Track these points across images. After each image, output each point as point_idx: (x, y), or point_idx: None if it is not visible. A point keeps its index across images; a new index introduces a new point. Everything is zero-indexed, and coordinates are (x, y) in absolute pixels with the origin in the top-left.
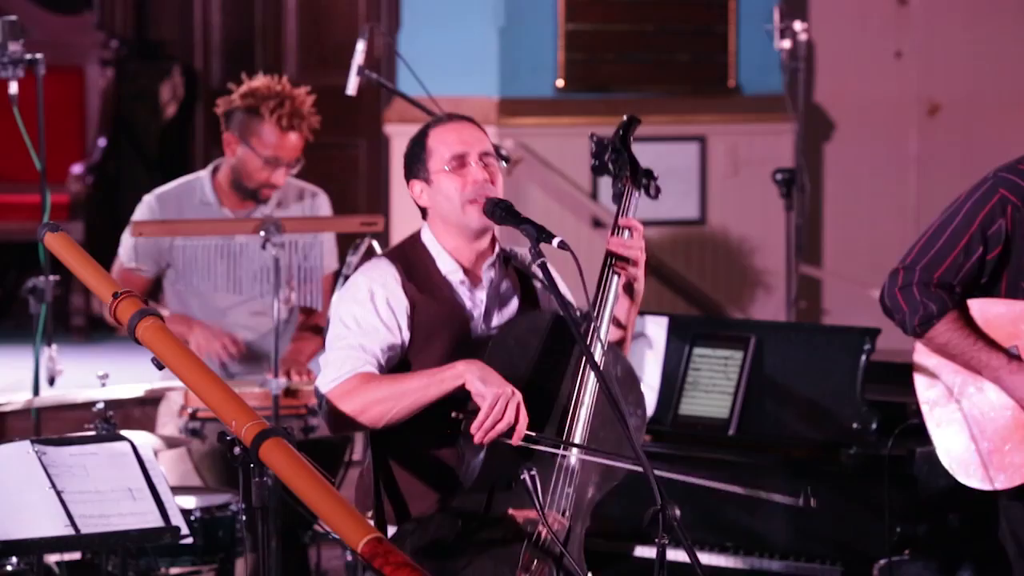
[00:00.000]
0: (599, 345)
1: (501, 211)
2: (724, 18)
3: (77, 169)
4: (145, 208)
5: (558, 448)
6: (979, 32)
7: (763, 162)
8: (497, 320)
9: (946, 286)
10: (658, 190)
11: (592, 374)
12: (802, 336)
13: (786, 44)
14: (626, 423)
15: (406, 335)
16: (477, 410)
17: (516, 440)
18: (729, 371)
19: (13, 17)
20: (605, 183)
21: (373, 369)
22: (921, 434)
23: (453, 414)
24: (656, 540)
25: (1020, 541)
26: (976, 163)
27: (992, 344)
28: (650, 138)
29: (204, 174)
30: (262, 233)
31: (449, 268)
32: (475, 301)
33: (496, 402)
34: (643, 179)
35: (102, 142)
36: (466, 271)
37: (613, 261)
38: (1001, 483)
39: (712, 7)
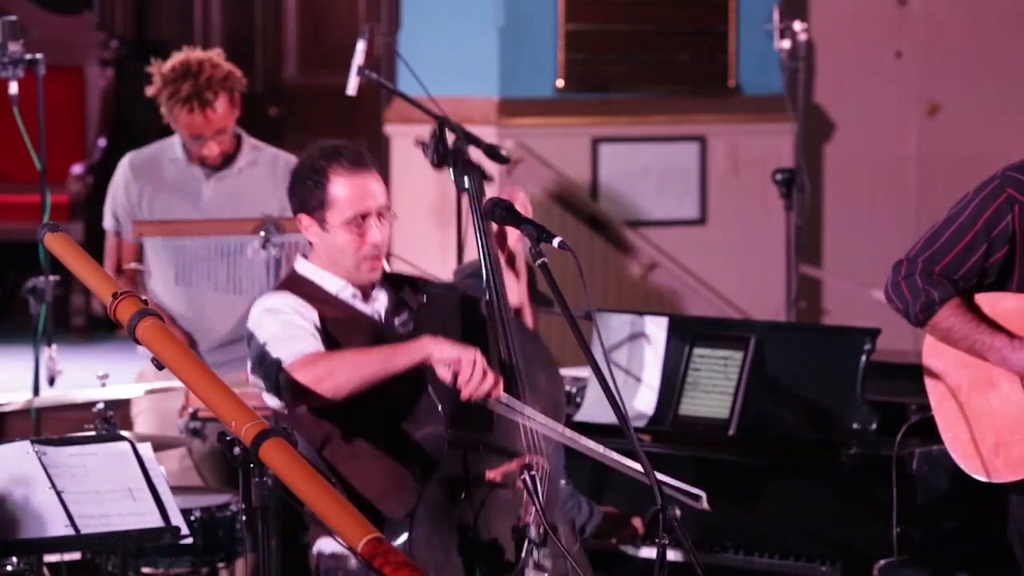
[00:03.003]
0: (505, 319)
1: (501, 211)
2: (724, 18)
3: (77, 169)
4: (121, 170)
5: (521, 413)
6: (979, 32)
7: (763, 162)
8: (399, 323)
9: (948, 278)
10: (481, 180)
11: (514, 342)
12: (802, 336)
13: (786, 44)
14: (620, 406)
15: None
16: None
17: (495, 398)
18: (729, 371)
19: (13, 17)
20: (606, 184)
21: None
22: (921, 434)
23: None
24: (656, 540)
25: None
26: (976, 163)
27: (995, 326)
28: (650, 138)
29: (176, 136)
30: (262, 233)
31: (338, 287)
32: (372, 309)
33: (472, 362)
34: (466, 171)
35: (102, 142)
36: (355, 285)
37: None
38: (1008, 477)
39: (712, 7)
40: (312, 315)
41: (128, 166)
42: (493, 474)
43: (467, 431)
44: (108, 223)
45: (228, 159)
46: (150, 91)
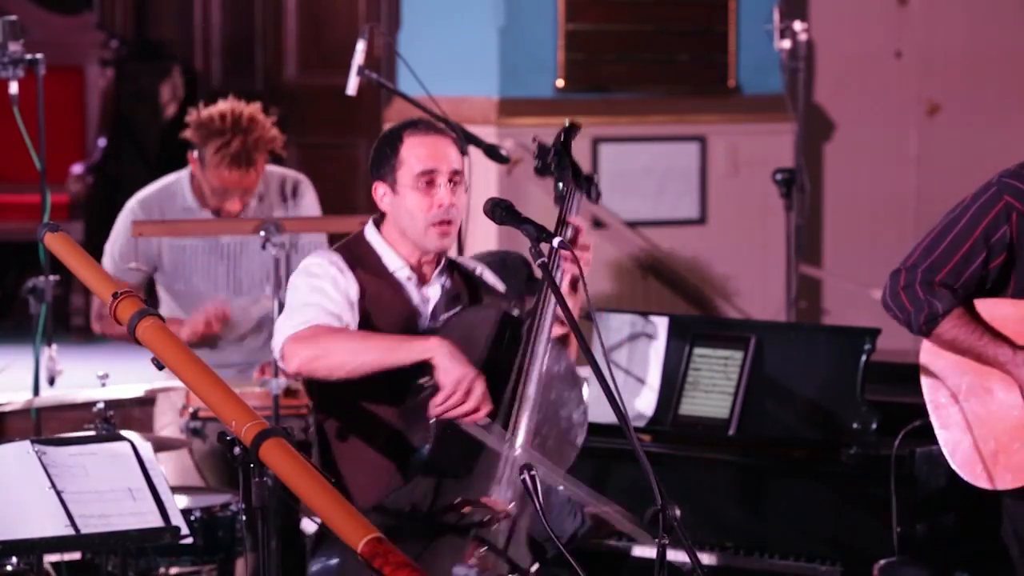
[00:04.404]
0: (542, 342)
1: (501, 211)
2: (724, 18)
3: (77, 169)
4: (129, 215)
5: (503, 443)
6: (979, 32)
7: (763, 162)
8: (443, 318)
9: (949, 287)
10: (599, 194)
11: (534, 371)
12: (802, 336)
13: (786, 44)
14: (620, 406)
15: (356, 316)
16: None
17: (470, 422)
18: (729, 371)
19: (13, 17)
20: (606, 184)
21: (336, 322)
22: (921, 434)
23: (420, 381)
24: (656, 540)
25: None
26: (976, 163)
27: (999, 337)
28: (650, 138)
29: (184, 177)
30: (262, 233)
31: (396, 265)
32: (423, 297)
33: (460, 382)
34: (584, 183)
35: (102, 142)
36: (413, 269)
37: (559, 261)
38: (1008, 483)
39: (712, 7)
40: (349, 286)
41: (140, 210)
42: (464, 502)
43: (450, 456)
44: (111, 266)
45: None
46: (188, 135)
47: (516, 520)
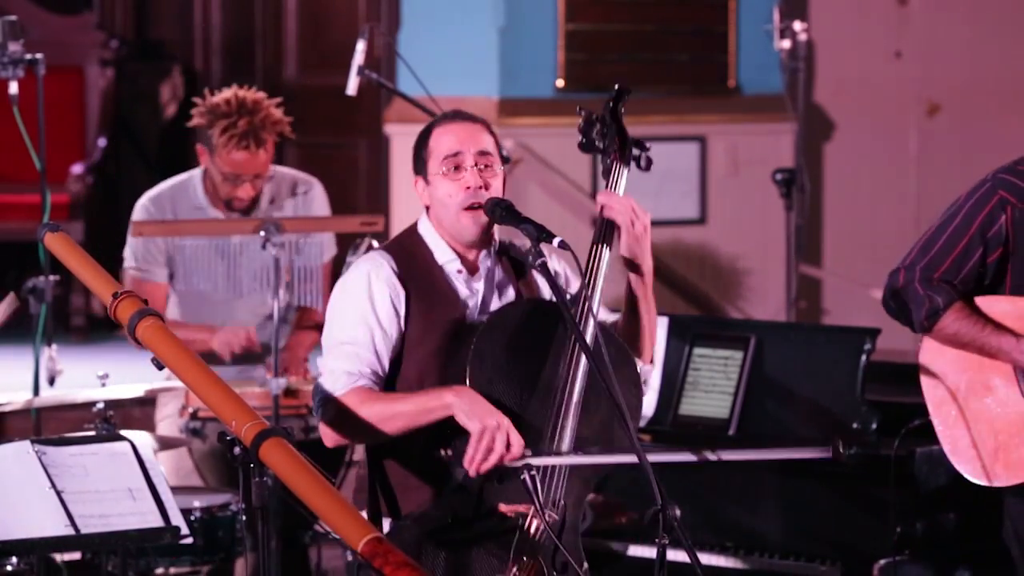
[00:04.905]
0: (590, 325)
1: (501, 211)
2: (724, 18)
3: (77, 169)
4: (141, 211)
5: (550, 456)
6: (979, 32)
7: (763, 162)
8: (494, 309)
9: (948, 283)
10: (649, 161)
11: (582, 359)
12: (802, 336)
13: (786, 44)
14: (626, 418)
15: (403, 324)
16: (464, 443)
17: (509, 461)
18: (729, 371)
19: (13, 17)
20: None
21: (368, 380)
22: (921, 434)
23: (441, 452)
24: (656, 540)
25: None
26: (976, 163)
27: (1000, 327)
28: (650, 138)
29: (196, 175)
30: (262, 233)
31: (447, 258)
32: (472, 290)
33: (483, 436)
34: (633, 151)
35: (102, 142)
36: (464, 260)
37: (604, 233)
38: (1008, 480)
39: (712, 7)
40: (394, 295)
41: (153, 207)
42: (507, 508)
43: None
44: (132, 263)
45: (252, 202)
46: (195, 123)
47: (562, 524)
